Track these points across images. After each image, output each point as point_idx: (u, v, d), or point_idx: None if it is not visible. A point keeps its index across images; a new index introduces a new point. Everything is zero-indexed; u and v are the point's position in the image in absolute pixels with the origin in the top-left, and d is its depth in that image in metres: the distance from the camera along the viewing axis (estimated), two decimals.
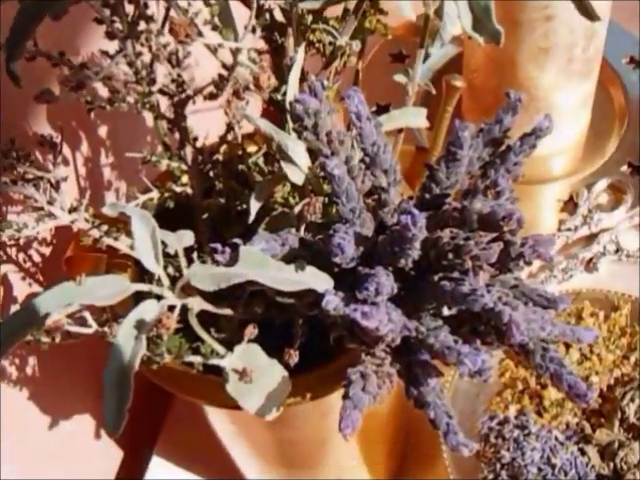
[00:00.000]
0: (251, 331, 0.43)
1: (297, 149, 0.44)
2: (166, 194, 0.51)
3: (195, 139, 0.52)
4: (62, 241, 0.63)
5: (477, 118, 0.84)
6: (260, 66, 0.42)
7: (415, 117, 0.53)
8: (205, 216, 0.53)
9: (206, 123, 0.54)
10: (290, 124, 0.45)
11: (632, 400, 0.68)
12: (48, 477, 0.65)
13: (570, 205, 0.81)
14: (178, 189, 0.52)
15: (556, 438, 0.68)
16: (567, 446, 0.68)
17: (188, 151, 0.51)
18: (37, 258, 0.62)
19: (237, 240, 0.43)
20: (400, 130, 0.54)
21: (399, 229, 0.40)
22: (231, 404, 0.45)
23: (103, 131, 0.66)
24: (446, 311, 0.44)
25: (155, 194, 0.51)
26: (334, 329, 0.46)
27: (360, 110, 0.44)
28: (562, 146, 0.84)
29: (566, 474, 0.66)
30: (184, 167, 0.51)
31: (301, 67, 0.46)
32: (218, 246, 0.43)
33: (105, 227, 0.51)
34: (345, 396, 0.41)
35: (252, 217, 0.48)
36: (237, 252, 0.42)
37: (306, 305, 0.44)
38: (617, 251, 0.78)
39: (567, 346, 0.70)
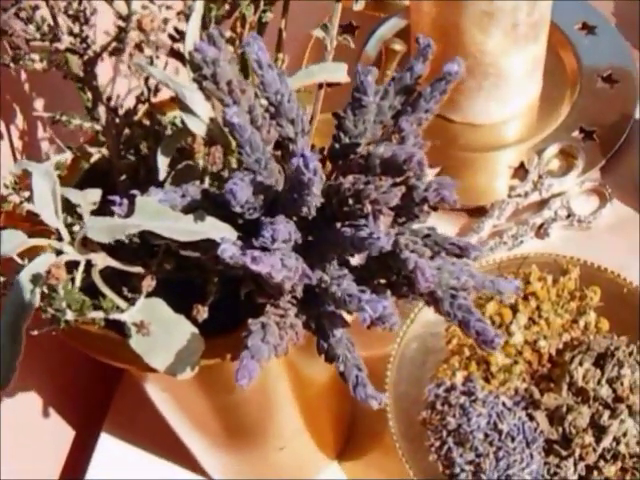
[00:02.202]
0: (149, 283, 0.42)
1: (195, 98, 0.43)
2: (79, 154, 0.50)
3: (109, 99, 0.51)
4: None
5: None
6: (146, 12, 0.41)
7: (334, 72, 0.52)
8: (123, 177, 0.52)
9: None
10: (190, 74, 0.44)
11: (580, 364, 0.67)
12: None
13: (521, 171, 0.80)
14: (93, 150, 0.51)
15: (503, 404, 0.67)
16: (515, 412, 0.66)
17: (101, 111, 0.50)
18: None
19: (135, 192, 0.42)
20: (320, 86, 0.53)
21: (295, 174, 0.40)
22: (147, 366, 0.44)
23: (38, 95, 0.65)
24: (355, 261, 0.43)
25: (68, 155, 0.51)
26: (244, 284, 0.45)
27: (261, 57, 0.43)
28: (514, 112, 0.83)
29: (513, 439, 0.65)
30: (97, 127, 0.50)
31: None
32: (116, 198, 0.42)
33: (27, 193, 0.50)
34: (244, 346, 0.40)
35: (161, 173, 0.47)
36: (134, 203, 0.41)
37: (212, 259, 0.43)
38: (568, 216, 0.77)
39: (515, 311, 0.69)
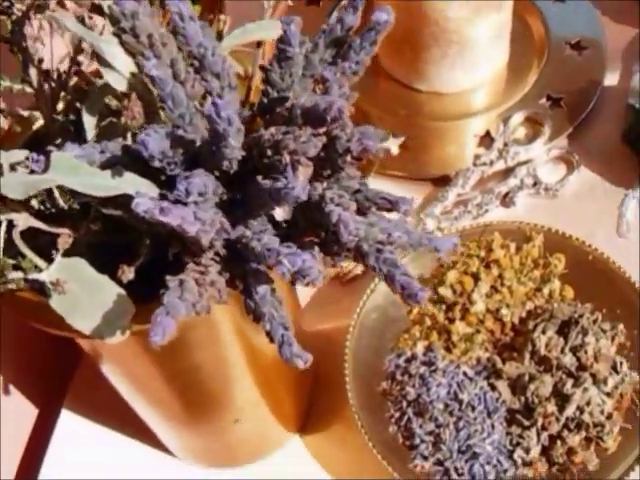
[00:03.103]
0: (65, 240, 0.41)
1: (115, 52, 0.42)
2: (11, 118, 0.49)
3: (41, 61, 0.50)
4: None
5: (390, 55, 0.82)
6: None
7: (271, 30, 0.51)
8: (59, 141, 0.51)
9: None
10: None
11: (543, 332, 0.66)
12: None
13: (487, 140, 0.78)
14: (25, 113, 0.50)
15: (465, 373, 0.66)
16: (476, 381, 0.65)
17: (33, 73, 0.49)
18: None
19: (51, 147, 0.41)
20: (259, 44, 0.52)
21: (210, 124, 0.38)
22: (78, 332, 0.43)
23: None
24: (280, 217, 0.42)
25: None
26: (172, 244, 0.44)
27: (182, 10, 0.42)
28: (480, 80, 0.81)
29: (474, 409, 0.64)
30: (29, 90, 0.49)
31: None
32: (33, 155, 0.41)
33: None
34: (160, 303, 0.39)
35: (89, 132, 0.46)
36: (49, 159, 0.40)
37: (134, 217, 0.42)
38: (535, 184, 0.76)
39: (476, 279, 0.68)
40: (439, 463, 0.63)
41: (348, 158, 0.40)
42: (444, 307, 0.68)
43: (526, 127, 0.79)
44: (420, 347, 0.67)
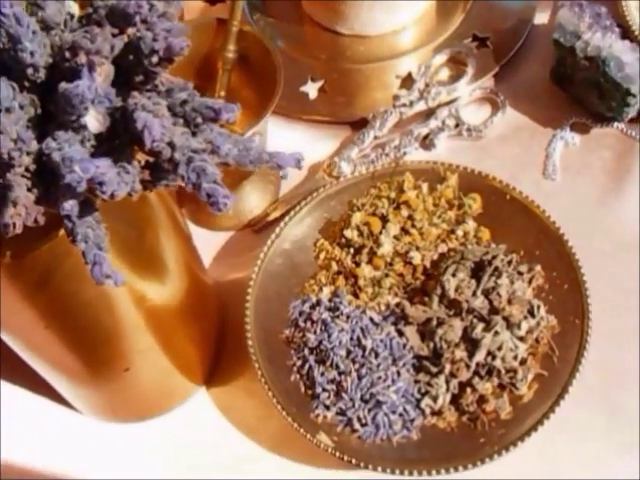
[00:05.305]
0: None
1: None
2: None
3: None
4: None
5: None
6: None
7: None
8: None
9: None
10: None
11: (453, 275, 0.63)
12: None
13: (409, 81, 0.75)
14: None
15: (371, 319, 0.63)
16: (382, 327, 0.62)
17: None
18: None
19: None
20: None
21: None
22: None
23: None
24: (93, 128, 0.39)
25: None
26: None
27: None
28: (404, 22, 0.78)
29: (377, 356, 0.61)
30: None
31: None
32: None
33: None
34: None
35: None
36: None
37: None
38: (457, 126, 0.72)
39: (385, 221, 0.65)
40: (341, 412, 0.60)
41: (154, 59, 0.37)
42: (352, 251, 0.65)
43: (450, 68, 0.75)
44: (326, 292, 0.64)
